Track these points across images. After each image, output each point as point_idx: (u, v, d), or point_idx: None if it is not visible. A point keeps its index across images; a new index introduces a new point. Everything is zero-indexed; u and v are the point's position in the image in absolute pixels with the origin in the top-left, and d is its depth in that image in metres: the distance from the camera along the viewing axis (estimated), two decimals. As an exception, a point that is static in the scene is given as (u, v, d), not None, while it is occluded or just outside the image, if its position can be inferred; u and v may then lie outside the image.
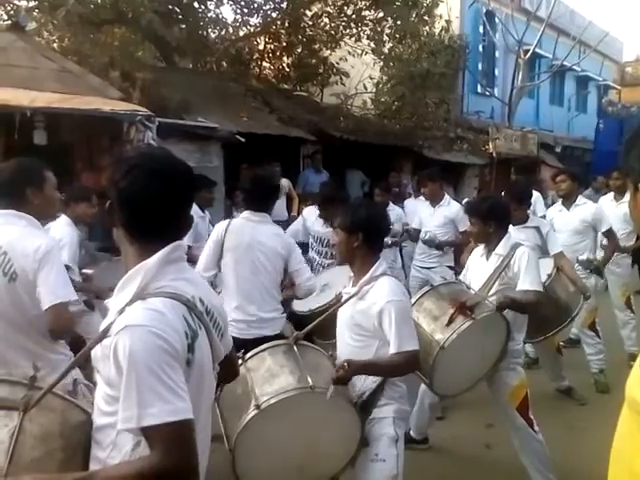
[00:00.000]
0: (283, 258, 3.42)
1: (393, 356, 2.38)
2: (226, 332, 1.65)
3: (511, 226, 4.26)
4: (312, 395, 2.27)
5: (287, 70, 12.63)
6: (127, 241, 1.48)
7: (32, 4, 9.67)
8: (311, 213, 5.13)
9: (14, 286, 2.40)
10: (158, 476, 1.25)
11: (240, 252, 3.36)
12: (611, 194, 5.87)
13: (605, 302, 5.57)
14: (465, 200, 4.83)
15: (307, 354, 2.51)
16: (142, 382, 1.26)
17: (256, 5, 11.62)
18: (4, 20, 9.37)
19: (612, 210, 5.40)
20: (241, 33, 12.30)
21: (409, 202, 6.93)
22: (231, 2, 11.45)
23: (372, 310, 2.43)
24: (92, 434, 1.44)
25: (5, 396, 1.47)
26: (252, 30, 12.27)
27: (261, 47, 12.55)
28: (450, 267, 5.42)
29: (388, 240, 5.71)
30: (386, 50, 12.10)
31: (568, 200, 5.18)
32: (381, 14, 11.53)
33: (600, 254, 5.16)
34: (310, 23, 11.91)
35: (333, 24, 11.84)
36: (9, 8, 9.64)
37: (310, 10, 11.75)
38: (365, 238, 2.51)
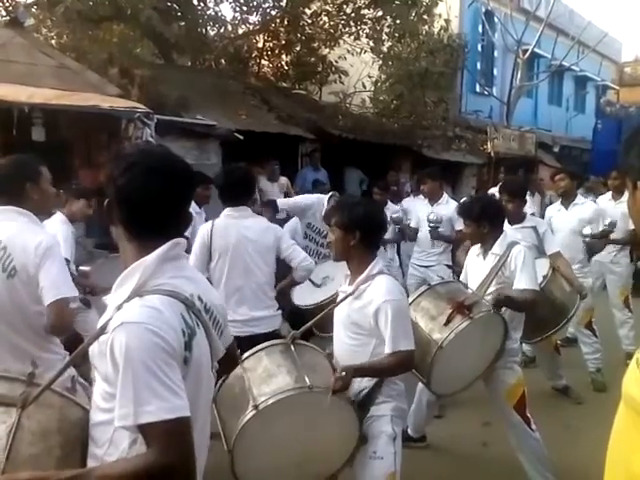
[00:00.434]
0: (273, 248, 3.41)
1: (388, 356, 2.39)
2: (226, 328, 1.65)
3: (508, 226, 4.29)
4: (310, 395, 2.26)
5: (286, 68, 12.62)
6: (125, 238, 1.47)
7: (31, 0, 9.64)
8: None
9: (13, 282, 2.39)
10: (155, 473, 1.25)
11: (230, 253, 3.34)
12: (609, 194, 5.88)
13: (602, 301, 5.58)
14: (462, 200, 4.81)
15: (304, 353, 2.50)
16: (138, 379, 1.26)
17: (255, 3, 11.61)
18: (2, 16, 9.36)
19: (610, 210, 5.41)
20: (240, 31, 12.28)
21: (407, 201, 6.93)
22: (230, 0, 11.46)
23: (369, 309, 2.43)
24: (89, 431, 1.44)
25: (3, 393, 1.46)
26: (251, 28, 12.26)
27: (260, 45, 12.52)
28: (448, 266, 5.42)
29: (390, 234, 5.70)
30: (385, 49, 12.09)
31: (567, 199, 5.20)
32: (380, 13, 11.52)
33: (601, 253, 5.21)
34: (309, 21, 11.90)
35: (332, 22, 11.83)
36: (7, 4, 9.62)
37: (309, 8, 11.73)
38: (362, 236, 2.50)
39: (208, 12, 11.21)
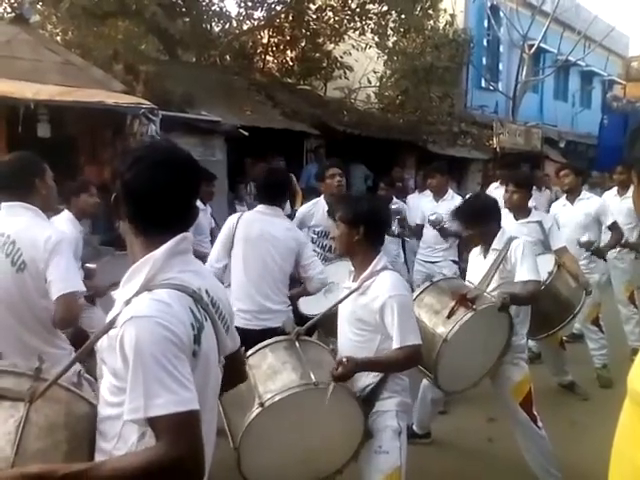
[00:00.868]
0: (294, 252, 3.44)
1: (395, 351, 2.38)
2: (232, 326, 1.65)
3: (513, 221, 4.27)
4: (315, 391, 2.26)
5: (291, 64, 12.61)
6: (133, 234, 1.48)
7: (36, -3, 9.66)
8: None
9: (22, 276, 2.40)
10: (165, 466, 1.25)
11: (250, 243, 3.40)
12: (614, 189, 5.85)
13: (608, 297, 5.56)
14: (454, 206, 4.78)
15: (309, 350, 2.50)
16: (148, 373, 1.27)
17: (260, -2, 11.61)
18: (8, 13, 9.38)
19: (616, 205, 5.39)
20: (245, 27, 12.28)
21: (412, 197, 6.92)
22: (235, -5, 11.45)
23: (374, 305, 2.43)
24: (97, 425, 1.45)
25: (11, 387, 1.47)
26: (256, 24, 12.25)
27: (265, 41, 12.52)
28: (454, 261, 5.41)
29: (395, 229, 5.69)
30: (390, 44, 12.07)
31: (572, 194, 5.18)
32: (385, 8, 11.49)
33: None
34: (314, 17, 11.88)
35: (337, 18, 11.81)
36: (13, 1, 9.63)
37: (314, 4, 11.71)
38: (366, 232, 2.50)
39: (213, 8, 11.23)
